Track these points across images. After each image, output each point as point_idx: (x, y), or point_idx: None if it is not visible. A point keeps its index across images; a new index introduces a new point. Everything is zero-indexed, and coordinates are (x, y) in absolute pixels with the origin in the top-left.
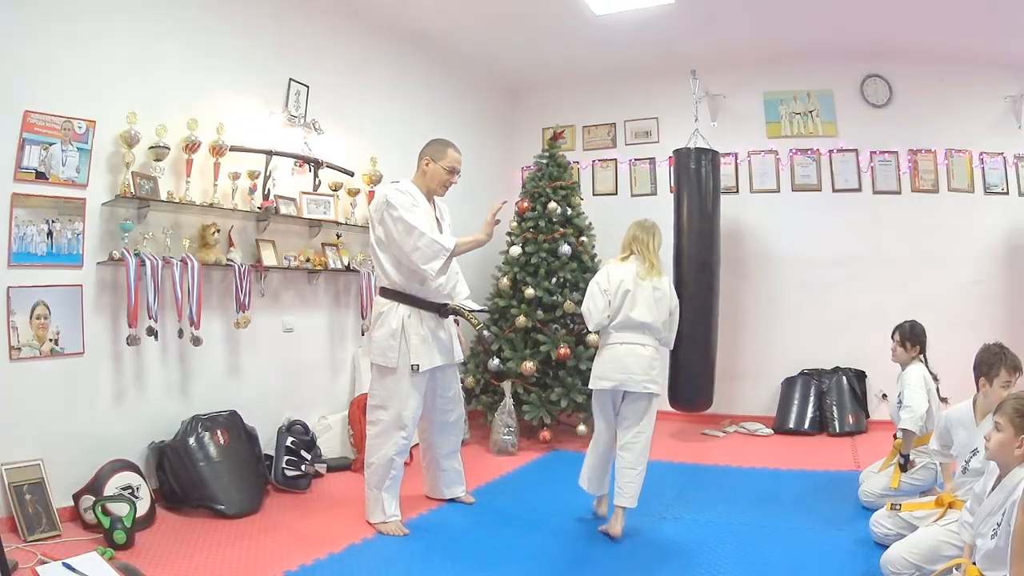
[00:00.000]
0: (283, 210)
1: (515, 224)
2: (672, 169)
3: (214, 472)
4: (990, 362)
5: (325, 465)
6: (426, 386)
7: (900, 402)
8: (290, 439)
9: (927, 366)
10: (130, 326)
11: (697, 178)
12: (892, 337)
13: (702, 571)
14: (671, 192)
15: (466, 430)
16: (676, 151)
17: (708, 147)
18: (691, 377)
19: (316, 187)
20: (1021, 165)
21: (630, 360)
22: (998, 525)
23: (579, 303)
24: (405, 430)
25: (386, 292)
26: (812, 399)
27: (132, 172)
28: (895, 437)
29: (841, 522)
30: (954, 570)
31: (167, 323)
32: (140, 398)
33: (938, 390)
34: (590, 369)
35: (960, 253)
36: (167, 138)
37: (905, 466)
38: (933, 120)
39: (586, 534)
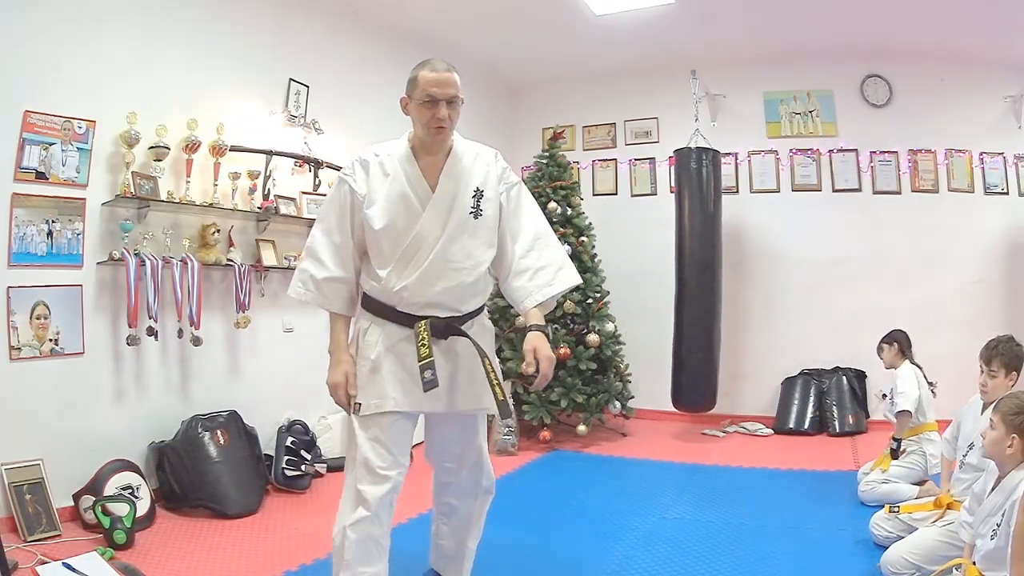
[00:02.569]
0: (283, 210)
1: None
2: (673, 169)
3: (214, 472)
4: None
5: (325, 465)
6: (401, 438)
7: (893, 391)
8: (290, 439)
9: (919, 367)
10: (130, 326)
11: (698, 178)
12: (886, 345)
13: (702, 571)
14: (671, 192)
15: None
16: (677, 151)
17: (709, 147)
18: (694, 378)
19: (316, 187)
20: (1021, 165)
21: None
22: (998, 526)
23: (579, 303)
24: (364, 505)
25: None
26: (812, 399)
27: (132, 172)
28: (893, 439)
29: (841, 522)
30: (954, 570)
31: (167, 323)
32: (140, 398)
33: (932, 391)
34: (590, 369)
35: (960, 253)
36: (167, 138)
37: (897, 452)
38: (933, 120)
39: (586, 534)
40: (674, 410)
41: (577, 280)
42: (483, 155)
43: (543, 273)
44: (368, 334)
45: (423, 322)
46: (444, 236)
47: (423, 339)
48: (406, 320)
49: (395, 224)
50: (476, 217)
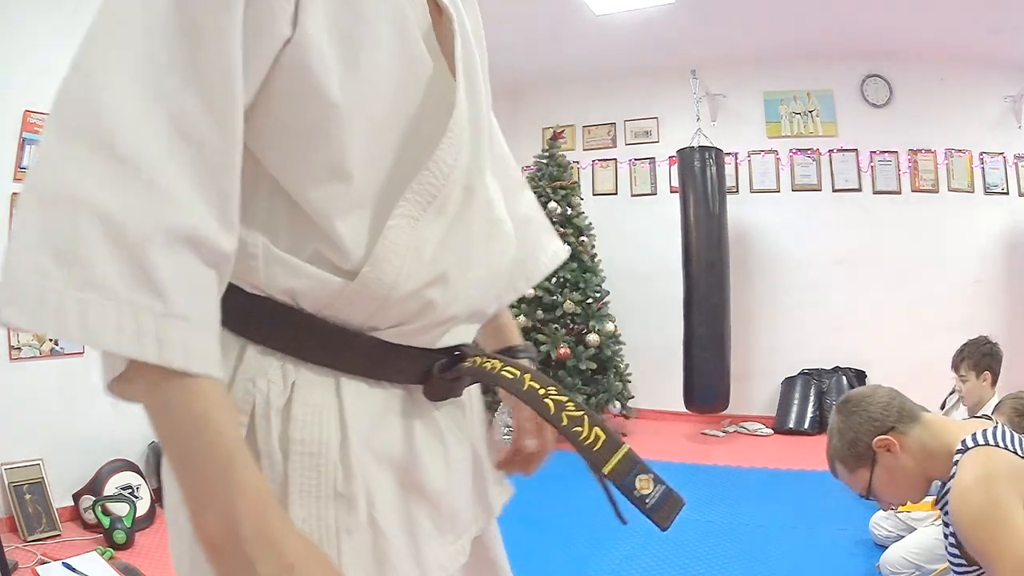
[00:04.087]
0: None
1: None
2: (675, 169)
3: None
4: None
5: None
6: None
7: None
8: None
9: None
10: None
11: (703, 177)
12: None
13: (702, 571)
14: (671, 192)
15: None
16: (680, 150)
17: (712, 145)
18: (705, 378)
19: None
20: (1021, 165)
21: None
22: None
23: (579, 303)
24: None
25: (224, 312)
26: (812, 399)
27: None
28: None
29: (841, 522)
30: None
31: None
32: None
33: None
34: (590, 369)
35: (960, 253)
36: None
37: None
38: (933, 120)
39: (586, 534)
40: (674, 410)
41: (566, 251)
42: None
43: (529, 231)
44: (300, 417)
45: (493, 361)
46: (479, 147)
47: (548, 395)
48: (405, 365)
49: (390, 87)
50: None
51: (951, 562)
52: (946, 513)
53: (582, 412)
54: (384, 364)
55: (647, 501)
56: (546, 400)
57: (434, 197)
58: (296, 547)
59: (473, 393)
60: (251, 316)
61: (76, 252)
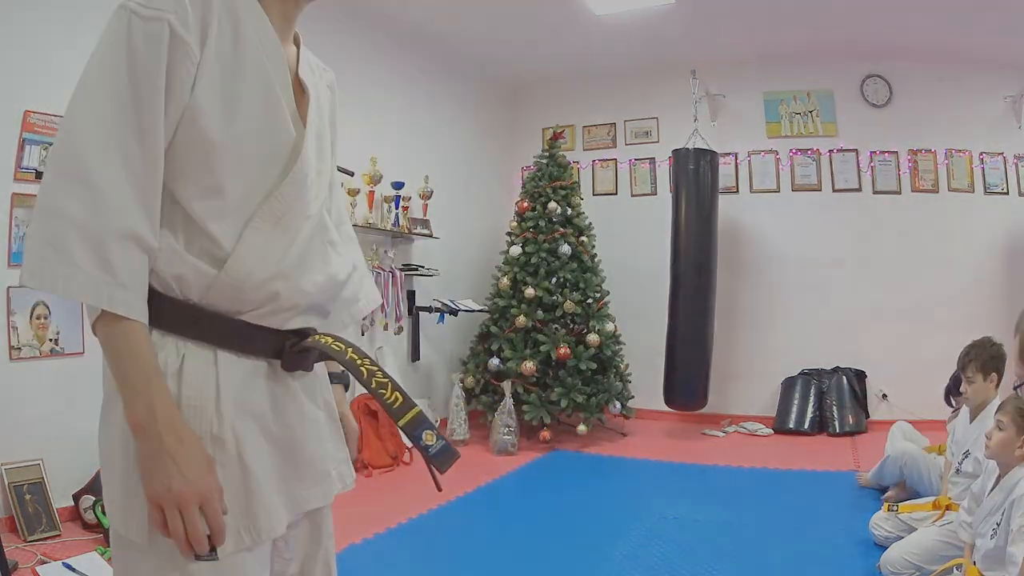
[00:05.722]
0: None
1: (515, 224)
2: (671, 169)
3: None
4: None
5: None
6: None
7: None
8: None
9: None
10: None
11: (696, 179)
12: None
13: (702, 571)
14: (671, 192)
15: (466, 430)
16: (675, 151)
17: (707, 148)
18: (686, 377)
19: None
20: (1021, 165)
21: None
22: (998, 525)
23: (579, 303)
24: None
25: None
26: (812, 399)
27: None
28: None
29: (841, 522)
30: (954, 570)
31: None
32: None
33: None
34: (590, 369)
35: (960, 253)
36: None
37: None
38: (933, 120)
39: (586, 534)
40: (674, 410)
41: (379, 298)
42: (321, 69)
43: (355, 276)
44: (187, 380)
45: (328, 338)
46: (320, 183)
47: (363, 364)
48: (263, 341)
49: (254, 136)
50: (333, 167)
51: None
52: None
53: (388, 380)
54: (249, 340)
55: (430, 450)
56: (361, 368)
57: (280, 218)
58: (187, 432)
59: (324, 382)
60: (154, 310)
61: (64, 246)
